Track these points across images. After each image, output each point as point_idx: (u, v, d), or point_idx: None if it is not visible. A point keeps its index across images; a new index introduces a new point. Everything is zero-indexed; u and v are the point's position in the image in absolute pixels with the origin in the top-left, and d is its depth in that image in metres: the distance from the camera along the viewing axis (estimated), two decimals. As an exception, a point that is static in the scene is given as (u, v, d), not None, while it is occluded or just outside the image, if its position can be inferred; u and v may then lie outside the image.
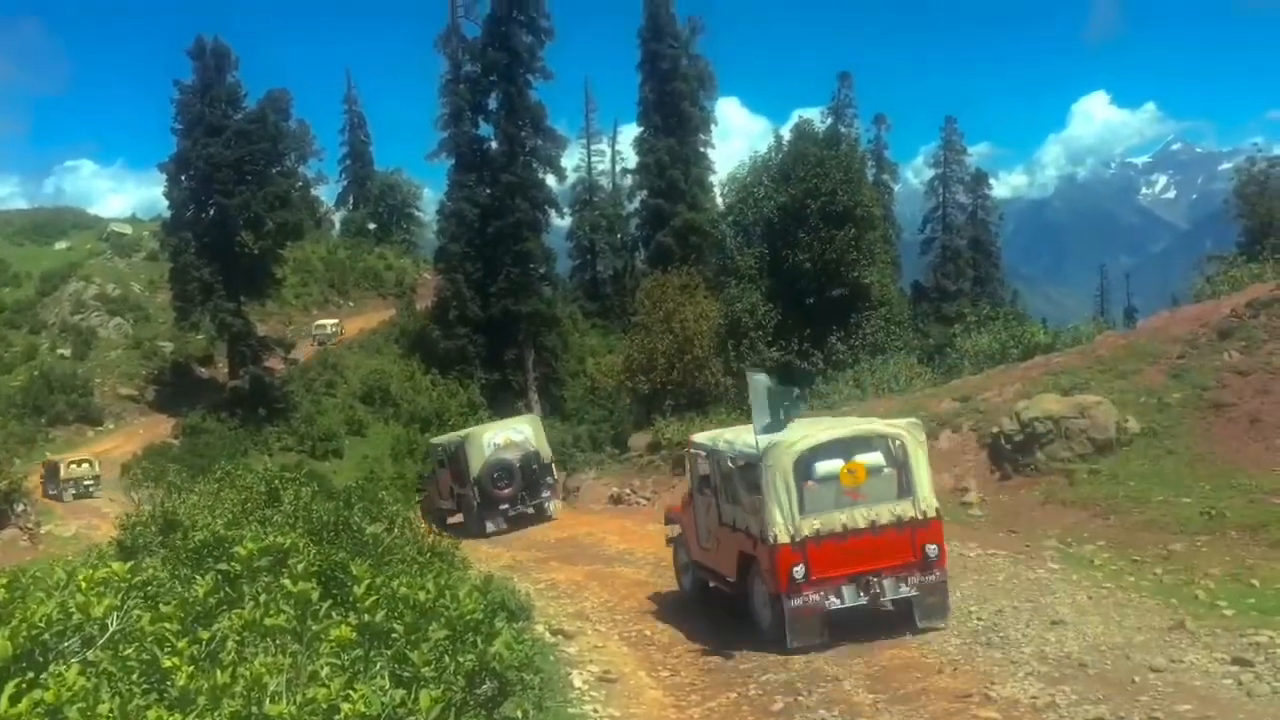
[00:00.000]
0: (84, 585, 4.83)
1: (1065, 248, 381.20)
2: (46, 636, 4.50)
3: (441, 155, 72.63)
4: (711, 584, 13.95)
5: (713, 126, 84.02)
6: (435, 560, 11.15)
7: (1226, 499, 15.61)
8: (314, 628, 4.67)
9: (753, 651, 11.73)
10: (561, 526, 24.77)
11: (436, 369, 66.91)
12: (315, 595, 4.76)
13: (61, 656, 4.53)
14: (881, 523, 11.56)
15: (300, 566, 5.68)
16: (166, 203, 63.66)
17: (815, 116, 67.12)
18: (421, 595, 5.31)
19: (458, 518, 27.01)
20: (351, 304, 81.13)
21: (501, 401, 64.49)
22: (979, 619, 12.05)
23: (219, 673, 4.05)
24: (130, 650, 4.53)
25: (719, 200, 66.00)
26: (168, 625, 4.56)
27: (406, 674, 4.81)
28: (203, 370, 67.77)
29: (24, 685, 4.04)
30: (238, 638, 4.58)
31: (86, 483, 44.86)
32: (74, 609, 4.68)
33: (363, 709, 4.03)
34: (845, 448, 11.88)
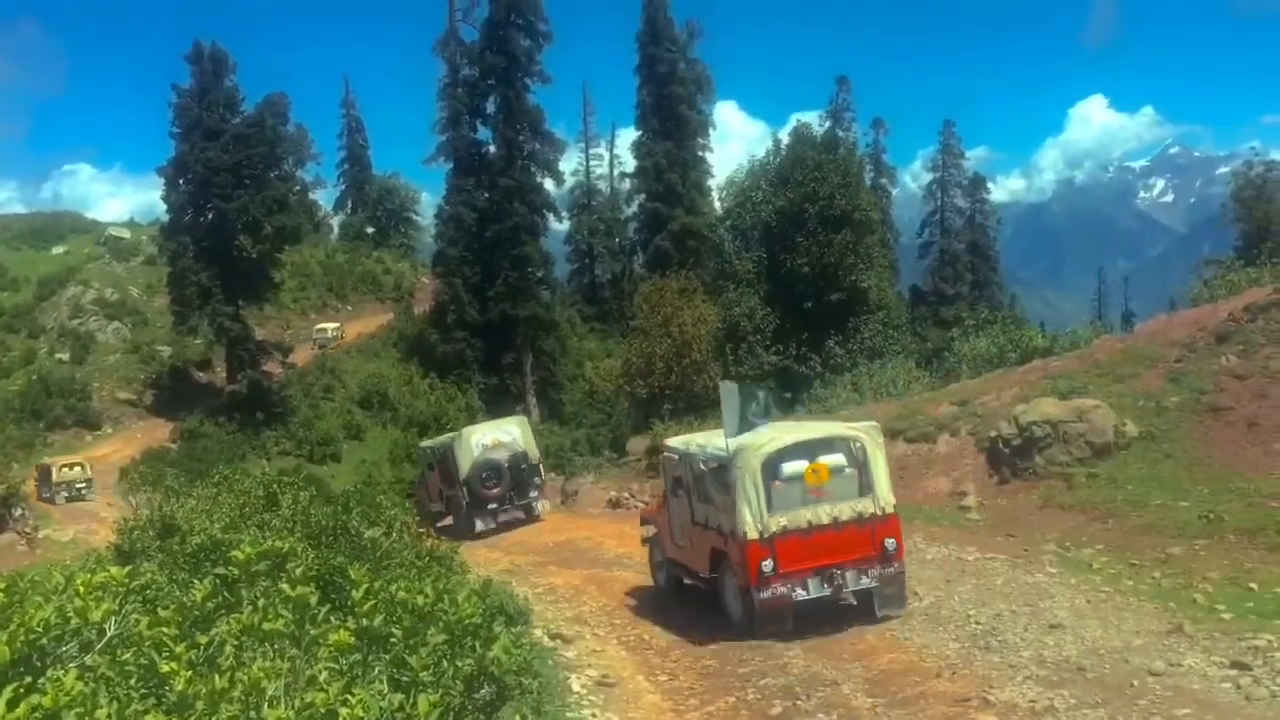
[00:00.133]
0: (82, 590, 4.81)
1: (1063, 252, 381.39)
2: (44, 641, 4.49)
3: (439, 159, 72.76)
4: (686, 580, 14.61)
5: (711, 130, 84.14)
6: (434, 564, 11.14)
7: (1224, 503, 15.62)
8: (312, 632, 4.66)
9: (751, 655, 11.73)
10: (559, 530, 24.76)
11: (435, 373, 66.91)
12: (314, 600, 4.75)
13: (59, 661, 4.52)
14: (844, 519, 12.33)
15: (298, 571, 5.67)
16: (164, 207, 63.80)
17: (813, 120, 67.21)
18: (420, 600, 5.30)
19: (448, 520, 27.09)
20: (350, 308, 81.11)
21: (500, 405, 64.36)
22: (977, 623, 12.04)
23: (217, 677, 4.04)
24: (128, 655, 4.52)
25: (717, 204, 66.06)
26: (166, 630, 4.55)
27: (405, 679, 4.80)
28: (201, 374, 67.76)
29: (22, 690, 4.03)
30: (236, 642, 4.57)
31: (79, 486, 44.94)
32: (72, 613, 4.66)
33: (361, 714, 4.02)
34: (809, 449, 12.67)
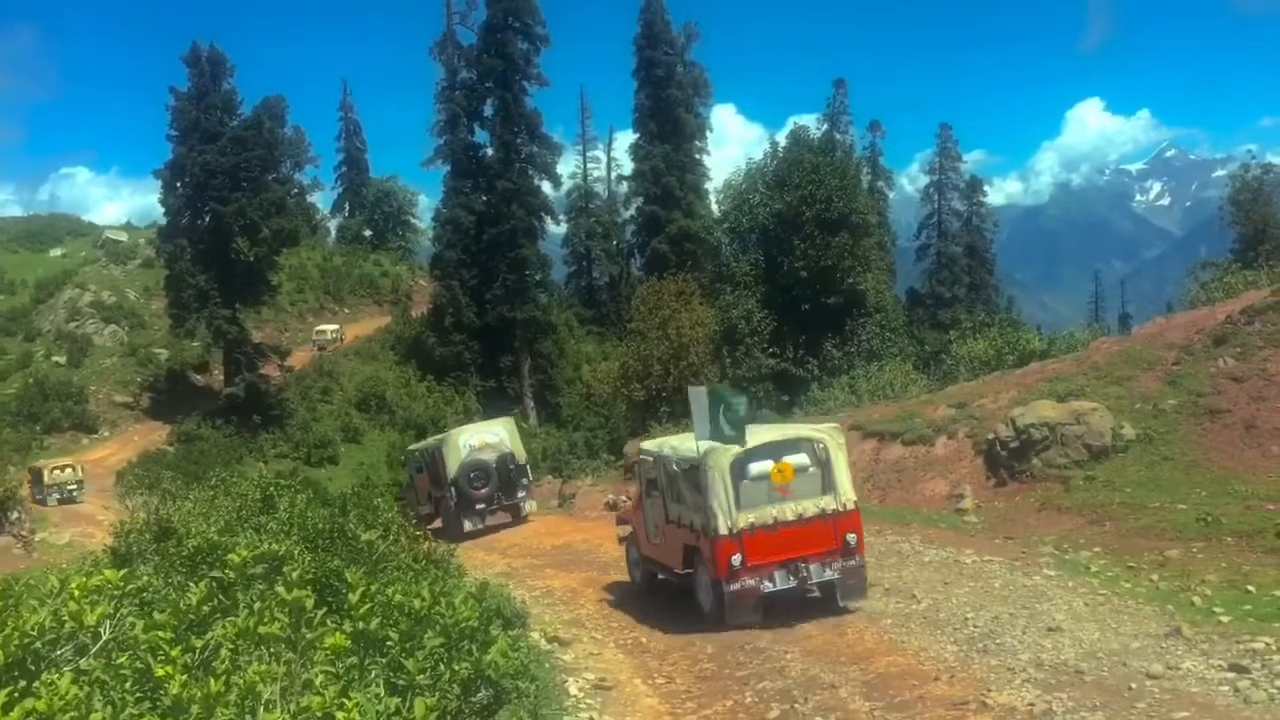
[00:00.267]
0: (76, 593, 4.80)
1: (1060, 254, 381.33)
2: (39, 645, 4.48)
3: (437, 162, 72.68)
4: (660, 575, 15.33)
5: (708, 133, 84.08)
6: (431, 568, 11.12)
7: (1222, 505, 15.62)
8: (308, 636, 4.64)
9: (748, 658, 11.72)
10: (557, 533, 24.73)
11: (432, 376, 66.87)
12: (309, 603, 4.73)
13: (54, 665, 4.51)
14: (808, 515, 13.05)
15: (295, 574, 5.65)
16: (162, 209, 63.74)
17: (810, 123, 67.10)
18: (416, 603, 5.29)
19: (437, 523, 27.18)
20: (347, 311, 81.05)
21: (497, 408, 64.06)
22: (975, 626, 12.02)
23: (212, 681, 4.02)
24: (123, 658, 4.51)
25: (714, 207, 66.09)
26: (161, 633, 4.53)
27: (401, 682, 4.78)
28: (198, 377, 67.70)
29: (16, 694, 4.02)
30: (231, 646, 4.55)
31: (70, 487, 45.02)
32: (67, 617, 4.65)
33: (357, 717, 4.01)
34: (775, 450, 13.37)
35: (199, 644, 4.53)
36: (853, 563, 13.19)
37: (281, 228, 62.78)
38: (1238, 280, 28.50)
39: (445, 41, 73.70)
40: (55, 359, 65.07)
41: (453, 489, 26.10)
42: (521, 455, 27.62)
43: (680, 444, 14.60)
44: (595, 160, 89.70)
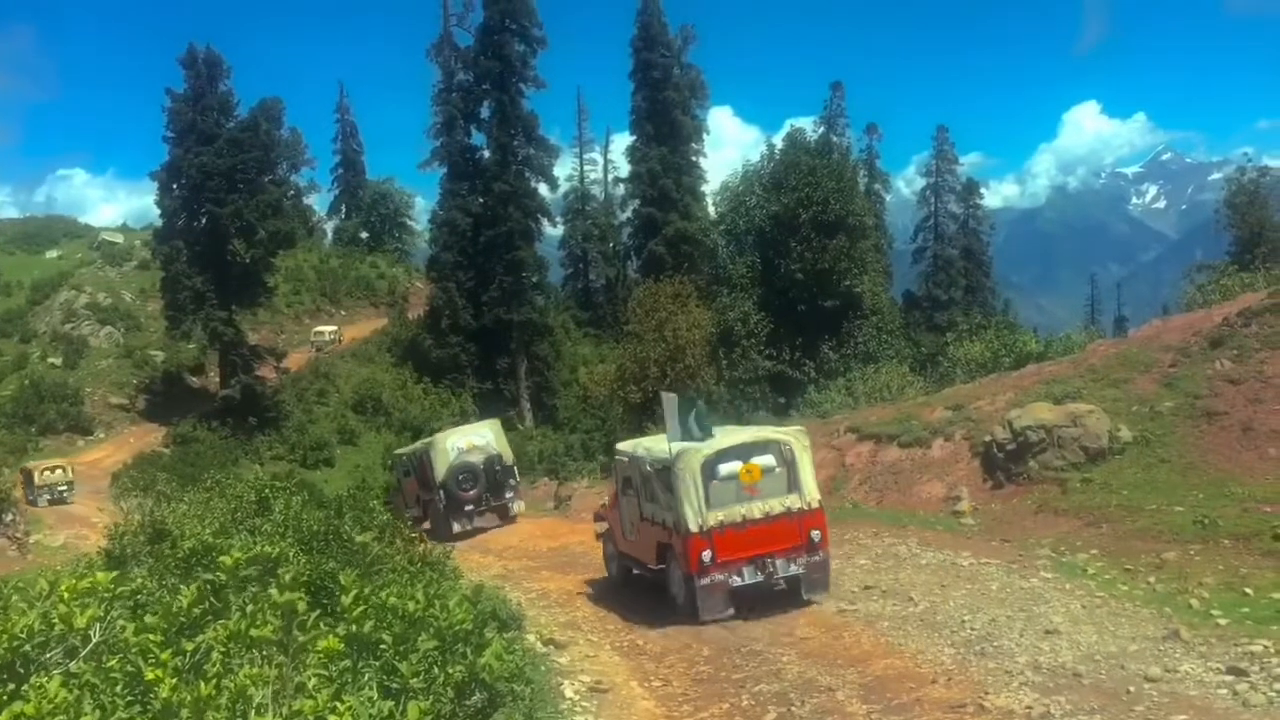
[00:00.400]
0: (67, 595, 4.75)
1: (1056, 257, 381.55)
2: (28, 648, 4.43)
3: (434, 164, 72.64)
4: (635, 570, 16.03)
5: (705, 135, 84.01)
6: (426, 570, 11.07)
7: (1219, 508, 15.59)
8: (301, 638, 4.59)
9: (745, 661, 11.69)
10: (553, 535, 24.69)
11: (429, 378, 66.79)
12: (302, 605, 4.68)
13: (44, 668, 4.46)
14: (774, 513, 13.77)
15: (288, 576, 5.60)
16: (158, 211, 63.62)
17: (807, 126, 67.15)
18: (410, 605, 5.24)
19: (426, 525, 27.21)
20: (344, 313, 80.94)
21: (494, 410, 63.92)
22: (972, 628, 11.99)
23: (202, 685, 3.97)
24: (114, 662, 4.45)
25: (711, 209, 66.08)
26: (151, 636, 4.48)
27: (395, 685, 4.74)
28: (194, 379, 67.57)
29: (5, 697, 3.97)
30: (223, 649, 4.50)
31: (60, 488, 45.04)
32: (56, 619, 4.60)
33: (350, 721, 3.96)
34: (743, 452, 14.07)
35: (190, 647, 4.48)
36: (817, 558, 13.91)
37: (278, 229, 62.65)
38: (1234, 283, 28.51)
39: (442, 43, 73.68)
40: (51, 361, 64.95)
41: (441, 491, 26.36)
42: (509, 456, 27.91)
43: (654, 445, 15.22)
44: (592, 162, 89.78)
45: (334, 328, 74.52)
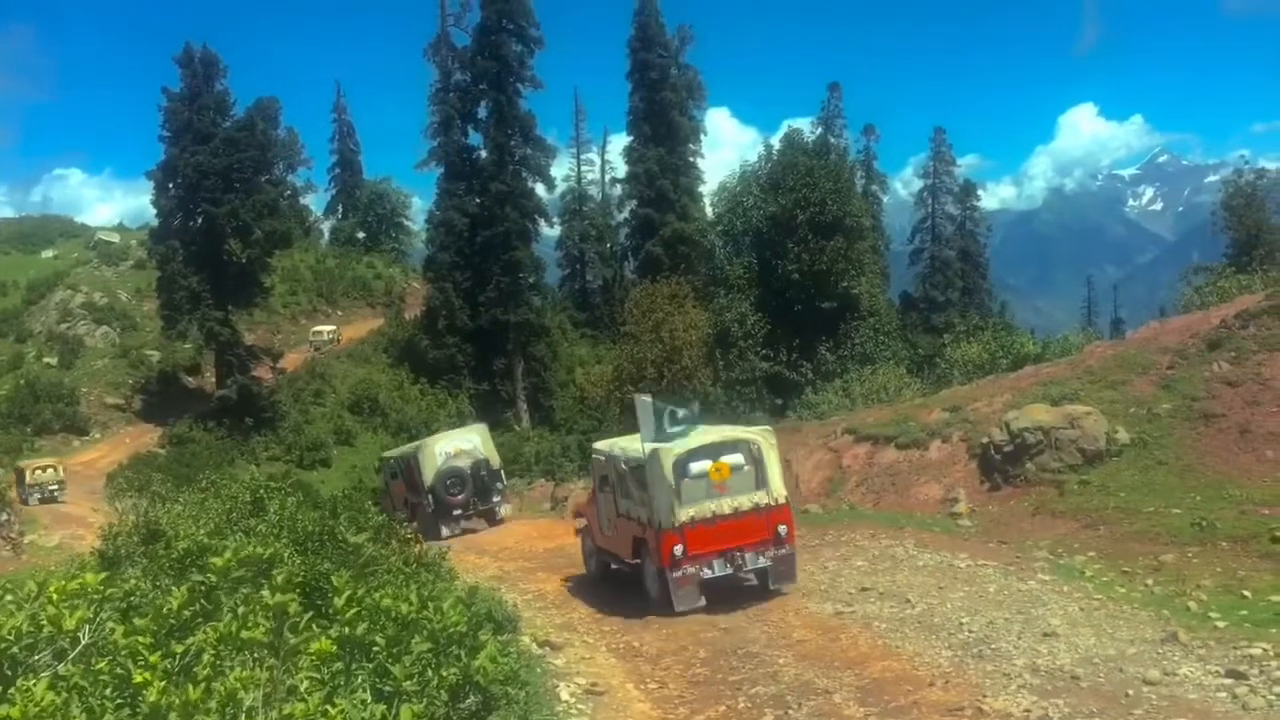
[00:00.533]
0: (55, 596, 4.69)
1: (1053, 259, 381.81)
2: (16, 650, 4.37)
3: (431, 164, 72.43)
4: (613, 565, 16.78)
5: (702, 136, 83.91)
6: (421, 571, 11.01)
7: (1217, 510, 15.56)
8: (292, 640, 4.54)
9: (741, 663, 11.63)
10: (549, 536, 24.62)
11: (425, 378, 66.65)
12: (294, 607, 4.63)
13: (31, 670, 4.40)
14: (743, 509, 14.49)
15: (281, 578, 5.54)
16: (154, 211, 63.43)
17: (805, 127, 67.28)
18: (404, 607, 5.18)
19: (413, 527, 27.38)
20: (340, 313, 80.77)
21: (490, 411, 64.12)
22: (970, 630, 11.94)
23: (191, 688, 3.91)
24: (102, 664, 4.40)
25: (708, 210, 66.01)
26: (141, 638, 4.42)
27: (388, 688, 4.68)
28: (190, 379, 67.40)
29: (-9, 700, 3.91)
30: (213, 651, 4.44)
31: (51, 488, 44.99)
32: (45, 621, 4.54)
33: (341, 725, 3.90)
34: (713, 451, 14.73)
35: (179, 649, 4.42)
36: (783, 551, 14.61)
37: (274, 229, 62.47)
38: (1232, 284, 28.52)
39: (439, 43, 73.52)
40: (46, 360, 64.76)
41: (429, 496, 26.67)
42: (496, 461, 28.30)
43: (628, 445, 15.91)
44: (589, 163, 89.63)
45: (333, 327, 74.40)
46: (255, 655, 4.45)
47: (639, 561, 15.41)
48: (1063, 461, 19.23)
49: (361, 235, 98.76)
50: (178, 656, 4.37)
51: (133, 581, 7.24)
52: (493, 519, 27.42)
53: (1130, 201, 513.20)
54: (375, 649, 4.87)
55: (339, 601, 5.02)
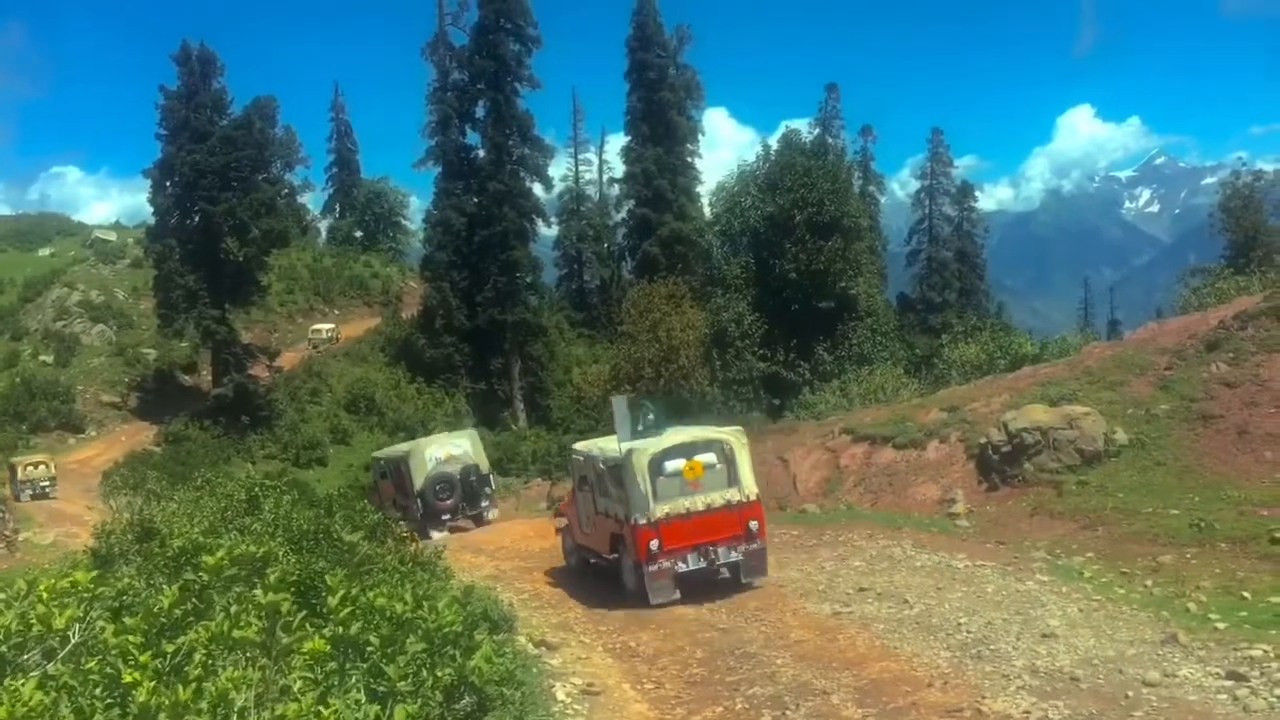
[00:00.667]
0: (45, 595, 4.62)
1: (1049, 261, 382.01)
2: (4, 649, 4.31)
3: (428, 163, 72.27)
4: (592, 560, 17.30)
5: (700, 136, 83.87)
6: (417, 570, 10.94)
7: (1215, 511, 15.52)
8: (285, 640, 4.47)
9: (739, 664, 11.57)
10: (546, 536, 24.48)
11: (422, 377, 66.53)
12: (286, 606, 4.56)
13: (20, 670, 4.34)
14: (715, 506, 15.11)
15: (274, 576, 5.48)
16: (151, 209, 63.28)
17: (802, 127, 67.22)
18: (398, 606, 5.11)
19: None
20: (337, 312, 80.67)
21: (487, 410, 64.13)
22: (968, 631, 11.89)
23: (181, 689, 3.84)
24: (92, 663, 4.33)
25: (706, 210, 65.97)
26: (131, 638, 4.35)
27: (382, 688, 4.62)
28: (186, 378, 67.30)
29: (-22, 700, 3.85)
30: (205, 651, 4.38)
31: (43, 484, 45.24)
32: (35, 620, 4.48)
33: (334, 726, 3.84)
34: (687, 450, 15.41)
35: (170, 649, 4.35)
36: (754, 546, 15.24)
37: (271, 228, 62.37)
38: (1230, 285, 28.51)
39: (437, 42, 73.37)
40: (42, 358, 64.63)
41: (419, 500, 26.90)
42: (485, 466, 28.56)
43: (606, 445, 16.59)
44: (587, 163, 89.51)
45: (332, 325, 74.39)
46: (247, 655, 4.39)
47: (617, 556, 15.94)
48: (1061, 462, 19.19)
49: (359, 234, 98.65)
50: (169, 656, 4.30)
51: (126, 580, 7.18)
52: (480, 523, 27.67)
53: (1127, 203, 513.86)
54: (369, 649, 4.80)
55: (333, 601, 4.96)
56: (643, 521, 14.82)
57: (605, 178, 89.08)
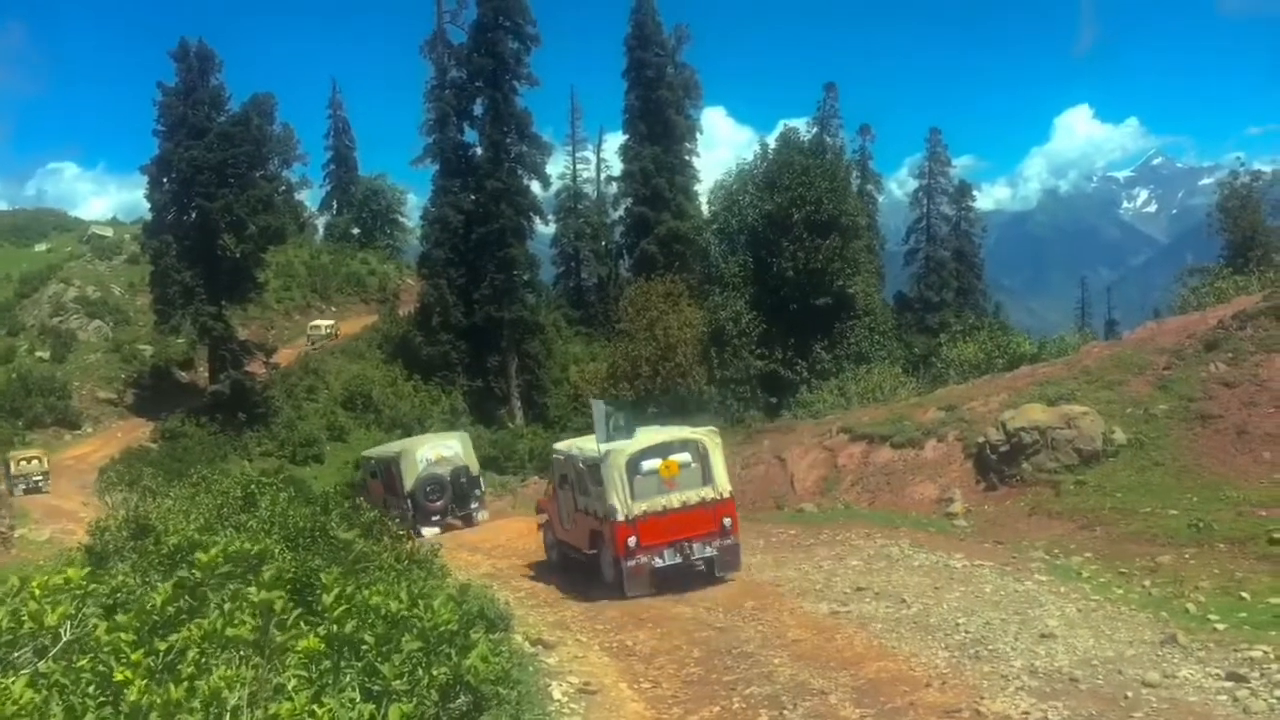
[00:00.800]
0: (37, 592, 4.57)
1: (1047, 260, 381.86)
2: (-5, 646, 4.26)
3: (426, 161, 72.26)
4: (572, 556, 17.80)
5: (698, 135, 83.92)
6: (413, 568, 10.89)
7: (1214, 511, 15.50)
8: (279, 638, 4.42)
9: (736, 663, 11.53)
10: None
11: (419, 375, 66.51)
12: (280, 604, 4.51)
13: (11, 667, 4.29)
14: (691, 503, 15.67)
15: (269, 574, 5.42)
16: (148, 205, 63.22)
17: (801, 127, 67.10)
18: (394, 605, 5.06)
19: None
20: (334, 309, 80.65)
21: (484, 408, 64.15)
22: (966, 631, 11.84)
23: (173, 687, 3.79)
24: (84, 661, 4.28)
25: (704, 208, 65.88)
26: (124, 635, 4.30)
27: (377, 687, 4.57)
28: (183, 374, 67.23)
29: (-32, 698, 3.79)
30: (198, 649, 4.32)
31: (36, 478, 45.42)
32: (26, 617, 4.43)
33: (329, 725, 3.79)
34: (663, 450, 15.94)
35: (163, 647, 4.30)
36: (729, 541, 15.82)
37: (268, 225, 62.36)
38: (1229, 285, 28.49)
39: (435, 40, 73.30)
40: (39, 354, 64.52)
41: (409, 501, 27.02)
42: (475, 467, 28.72)
43: (585, 445, 17.10)
44: (585, 161, 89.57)
45: (330, 322, 74.44)
46: (241, 653, 4.34)
47: (595, 552, 16.49)
48: (1059, 462, 19.17)
49: (356, 231, 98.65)
50: (161, 654, 4.25)
51: (120, 577, 7.12)
52: (470, 523, 27.75)
53: (1125, 204, 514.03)
54: (364, 647, 4.75)
55: (328, 598, 4.91)
56: (621, 519, 15.34)
57: (603, 176, 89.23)
